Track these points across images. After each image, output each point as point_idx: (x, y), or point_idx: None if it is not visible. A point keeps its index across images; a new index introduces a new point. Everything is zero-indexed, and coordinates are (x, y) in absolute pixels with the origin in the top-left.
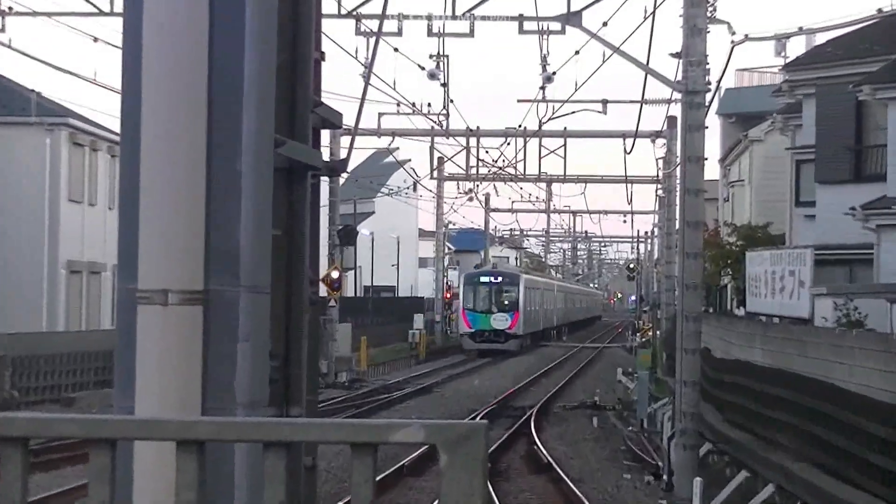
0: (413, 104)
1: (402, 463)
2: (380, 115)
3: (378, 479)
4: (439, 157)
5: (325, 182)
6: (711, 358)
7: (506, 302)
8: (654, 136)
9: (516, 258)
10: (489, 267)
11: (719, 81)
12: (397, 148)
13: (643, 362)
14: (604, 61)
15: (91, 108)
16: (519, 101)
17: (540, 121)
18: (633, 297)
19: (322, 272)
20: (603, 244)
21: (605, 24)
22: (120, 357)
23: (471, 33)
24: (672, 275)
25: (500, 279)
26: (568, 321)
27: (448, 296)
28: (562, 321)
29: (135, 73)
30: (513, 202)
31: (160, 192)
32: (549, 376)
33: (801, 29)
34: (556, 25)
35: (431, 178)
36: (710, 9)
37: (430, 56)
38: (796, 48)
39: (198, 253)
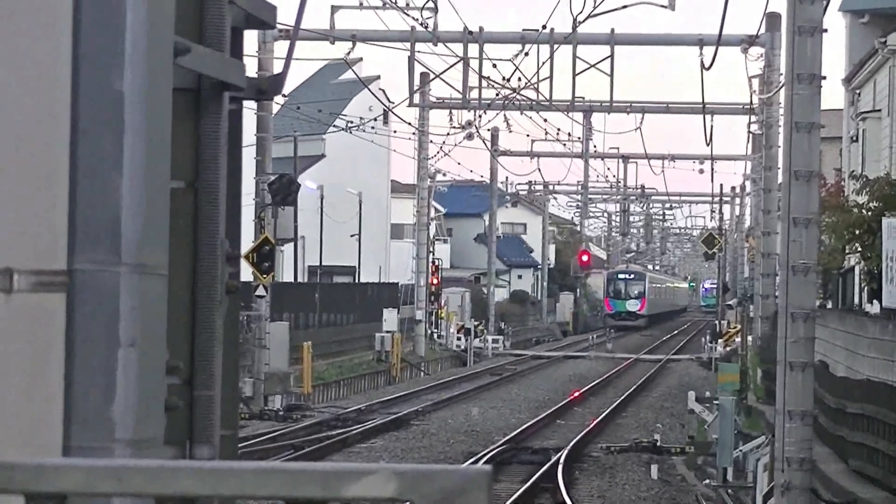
0: None
1: None
2: (334, 8)
3: None
4: (423, 74)
5: (250, 110)
6: (830, 377)
7: (636, 291)
8: (747, 43)
9: (546, 230)
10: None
11: None
12: (360, 59)
13: (727, 383)
14: None
15: None
16: None
17: (575, 19)
18: (709, 285)
19: (246, 245)
20: (668, 205)
21: None
22: None
23: None
24: (772, 252)
25: (632, 276)
26: (669, 309)
27: (436, 281)
28: (668, 308)
29: None
30: (532, 142)
31: None
32: (584, 403)
33: None
34: None
35: (411, 104)
36: None
37: None
38: None
39: (58, 216)
